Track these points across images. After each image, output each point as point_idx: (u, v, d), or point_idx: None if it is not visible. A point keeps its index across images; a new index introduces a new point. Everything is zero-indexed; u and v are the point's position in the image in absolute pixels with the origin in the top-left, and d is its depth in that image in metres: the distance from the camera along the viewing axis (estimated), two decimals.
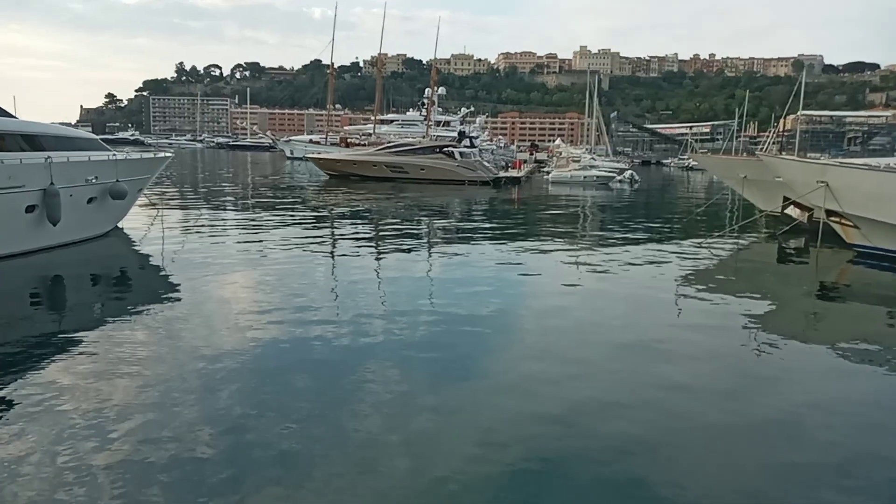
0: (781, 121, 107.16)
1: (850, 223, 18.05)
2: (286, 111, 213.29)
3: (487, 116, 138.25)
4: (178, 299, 11.34)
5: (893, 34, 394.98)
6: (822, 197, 17.85)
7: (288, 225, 21.80)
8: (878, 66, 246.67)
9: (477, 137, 66.79)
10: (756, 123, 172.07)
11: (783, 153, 65.66)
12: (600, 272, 15.24)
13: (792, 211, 21.51)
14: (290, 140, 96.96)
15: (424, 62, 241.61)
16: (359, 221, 24.32)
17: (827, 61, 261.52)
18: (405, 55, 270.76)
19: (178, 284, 12.50)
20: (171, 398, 6.93)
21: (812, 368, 9.07)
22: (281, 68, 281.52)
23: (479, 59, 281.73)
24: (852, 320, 12.32)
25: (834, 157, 70.01)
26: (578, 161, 59.56)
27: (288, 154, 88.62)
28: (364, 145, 71.07)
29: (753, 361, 9.15)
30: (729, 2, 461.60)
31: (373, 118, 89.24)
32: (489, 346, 9.41)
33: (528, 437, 6.37)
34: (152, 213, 22.33)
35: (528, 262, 16.45)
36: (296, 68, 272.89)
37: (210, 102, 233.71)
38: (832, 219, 18.44)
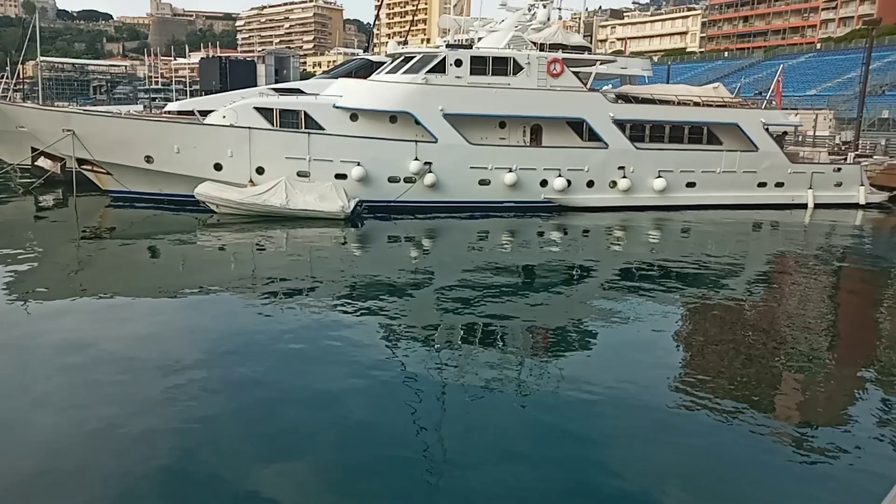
0: (20, 66, 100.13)
1: (103, 170, 18.48)
2: None
3: None
4: None
5: None
6: (72, 146, 17.63)
7: None
8: (111, 17, 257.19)
9: None
10: None
11: (28, 101, 61.97)
12: None
13: (44, 162, 20.66)
14: None
15: None
16: None
17: (60, 6, 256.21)
18: None
19: None
20: None
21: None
22: None
23: None
24: (119, 258, 13.30)
25: (83, 106, 70.19)
26: None
27: None
28: None
29: None
30: None
31: None
32: None
33: None
34: None
35: None
36: None
37: None
38: (84, 167, 18.50)
